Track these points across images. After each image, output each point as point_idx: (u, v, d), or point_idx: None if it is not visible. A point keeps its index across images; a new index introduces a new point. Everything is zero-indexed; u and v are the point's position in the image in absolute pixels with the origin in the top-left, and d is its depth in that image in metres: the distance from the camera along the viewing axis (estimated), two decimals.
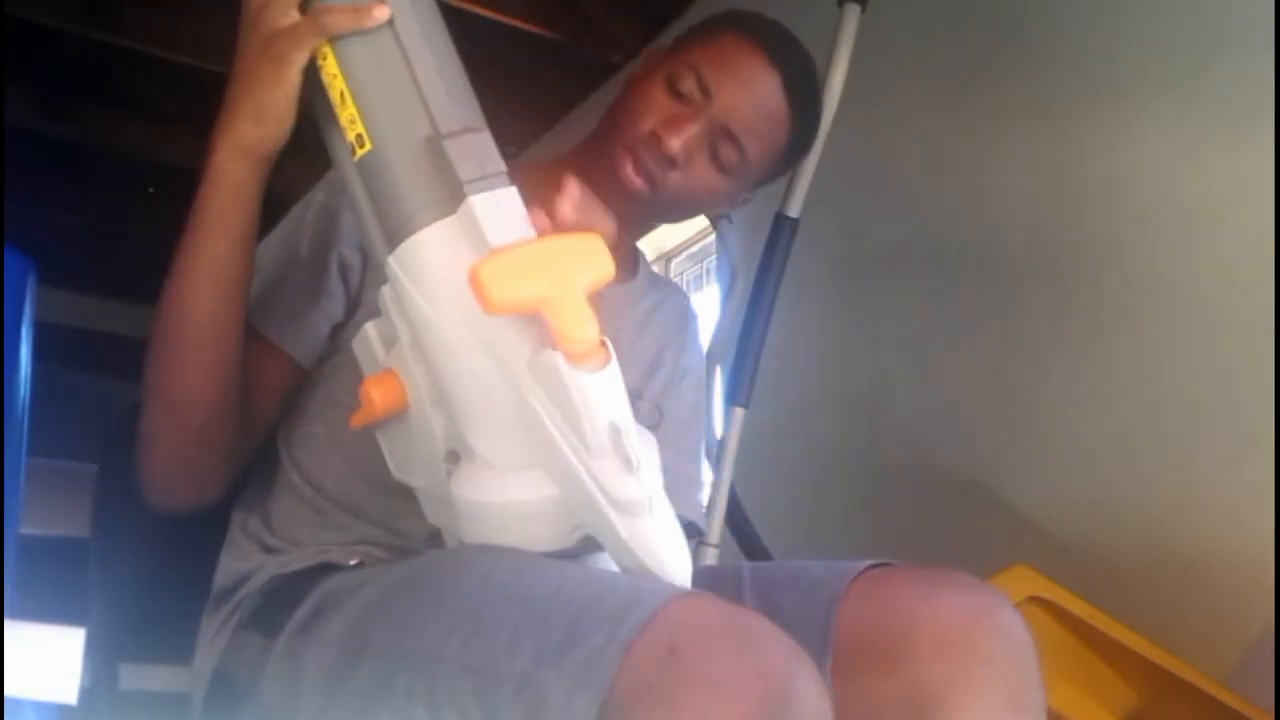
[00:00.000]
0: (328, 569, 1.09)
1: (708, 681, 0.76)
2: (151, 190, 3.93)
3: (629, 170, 1.19)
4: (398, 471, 1.03)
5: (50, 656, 1.07)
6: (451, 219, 0.90)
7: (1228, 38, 1.65)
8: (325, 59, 0.94)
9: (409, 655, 0.91)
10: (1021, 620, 0.98)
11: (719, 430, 1.70)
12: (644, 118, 1.20)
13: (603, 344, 0.88)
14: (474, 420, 0.92)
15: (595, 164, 1.21)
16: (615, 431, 0.87)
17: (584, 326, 0.86)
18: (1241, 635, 1.51)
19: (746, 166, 1.24)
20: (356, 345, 1.02)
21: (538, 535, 0.92)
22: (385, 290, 0.95)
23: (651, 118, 1.20)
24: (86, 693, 1.10)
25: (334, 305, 1.17)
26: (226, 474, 1.13)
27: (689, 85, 1.20)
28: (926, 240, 2.07)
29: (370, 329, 1.00)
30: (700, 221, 1.92)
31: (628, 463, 0.87)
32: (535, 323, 0.88)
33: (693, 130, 1.20)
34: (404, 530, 1.13)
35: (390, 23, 0.93)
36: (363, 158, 0.93)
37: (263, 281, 1.14)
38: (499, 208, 0.90)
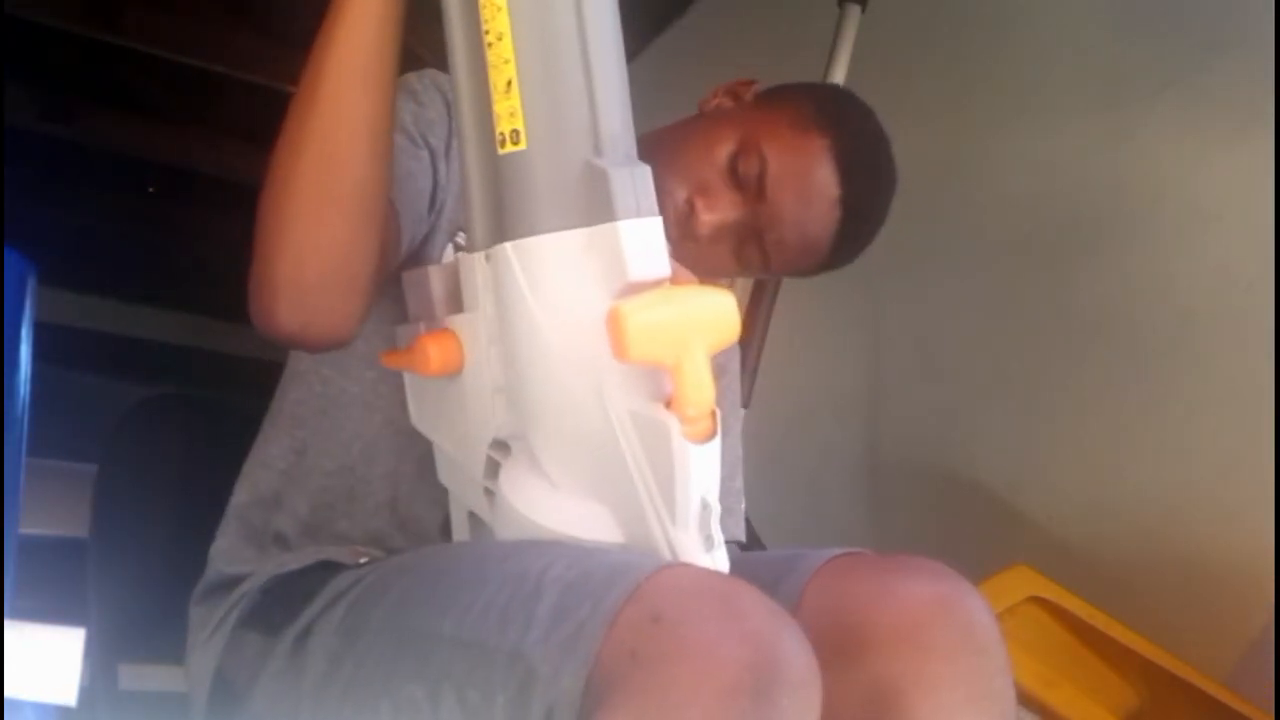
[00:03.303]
0: (329, 567, 1.09)
1: (693, 648, 0.75)
2: (151, 190, 3.92)
3: (683, 213, 1.13)
4: (417, 420, 1.00)
5: (50, 657, 1.07)
6: (584, 232, 0.84)
7: (1228, 38, 1.65)
8: (500, 39, 0.85)
9: (404, 635, 0.90)
10: (985, 607, 0.95)
11: None
12: (693, 174, 1.13)
13: (713, 414, 0.84)
14: (546, 431, 0.88)
15: None
16: (705, 509, 0.84)
17: (706, 394, 0.81)
18: (1241, 635, 1.51)
19: (764, 269, 1.19)
20: (410, 283, 0.98)
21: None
22: (476, 259, 0.89)
23: (699, 180, 1.13)
24: (86, 693, 1.10)
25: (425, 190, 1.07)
26: (367, 299, 0.94)
27: (750, 169, 1.12)
28: (926, 240, 2.07)
29: (433, 275, 0.95)
30: None
31: (709, 540, 0.85)
32: (654, 371, 0.84)
33: (730, 218, 1.13)
34: (416, 516, 1.12)
35: (579, 22, 0.85)
36: (511, 154, 0.85)
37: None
38: (645, 240, 0.84)
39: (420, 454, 1.08)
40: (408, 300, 0.99)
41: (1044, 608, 1.49)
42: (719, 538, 0.86)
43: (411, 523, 1.14)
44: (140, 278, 1.24)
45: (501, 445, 0.93)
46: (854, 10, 1.66)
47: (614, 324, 0.80)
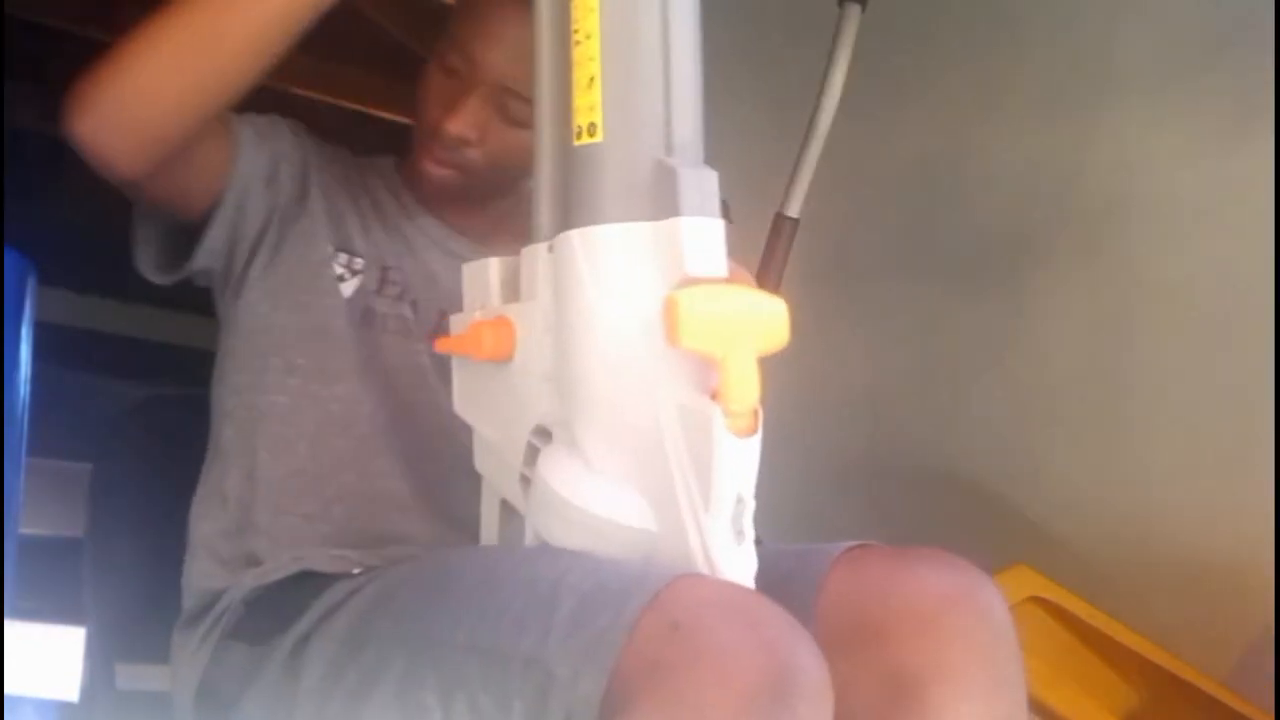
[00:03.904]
0: (314, 576, 1.09)
1: (711, 656, 0.76)
2: None
3: (430, 165, 1.20)
4: (460, 407, 1.04)
5: (52, 655, 1.07)
6: (648, 225, 0.88)
7: (1228, 38, 1.65)
8: (588, 38, 0.90)
9: (414, 642, 0.91)
10: (1000, 597, 0.97)
11: None
12: (429, 108, 1.20)
13: (756, 413, 0.86)
14: (594, 424, 0.90)
15: (411, 165, 1.23)
16: (740, 503, 0.85)
17: (751, 390, 0.84)
18: (1241, 635, 1.51)
19: (529, 105, 1.22)
20: (471, 273, 1.03)
21: (604, 553, 0.90)
22: (539, 250, 0.93)
23: (434, 106, 1.19)
24: (84, 692, 1.10)
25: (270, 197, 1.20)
26: (155, 155, 1.06)
27: (455, 59, 1.19)
28: (926, 240, 2.07)
29: (494, 266, 1.00)
30: None
31: (740, 535, 0.86)
32: (702, 365, 0.86)
33: (470, 104, 1.18)
34: (382, 492, 1.15)
35: (663, 28, 0.90)
36: (586, 145, 0.90)
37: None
38: (707, 238, 0.89)
39: (369, 432, 1.16)
40: (465, 291, 1.03)
41: (1044, 608, 1.49)
42: (750, 533, 0.87)
43: (378, 502, 1.16)
44: (140, 278, 1.24)
45: (543, 432, 0.95)
46: (854, 10, 1.66)
47: (670, 311, 0.83)
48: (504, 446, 0.99)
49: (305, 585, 1.08)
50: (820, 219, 1.76)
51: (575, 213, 0.91)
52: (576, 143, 0.91)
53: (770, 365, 1.90)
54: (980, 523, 1.87)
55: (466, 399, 1.05)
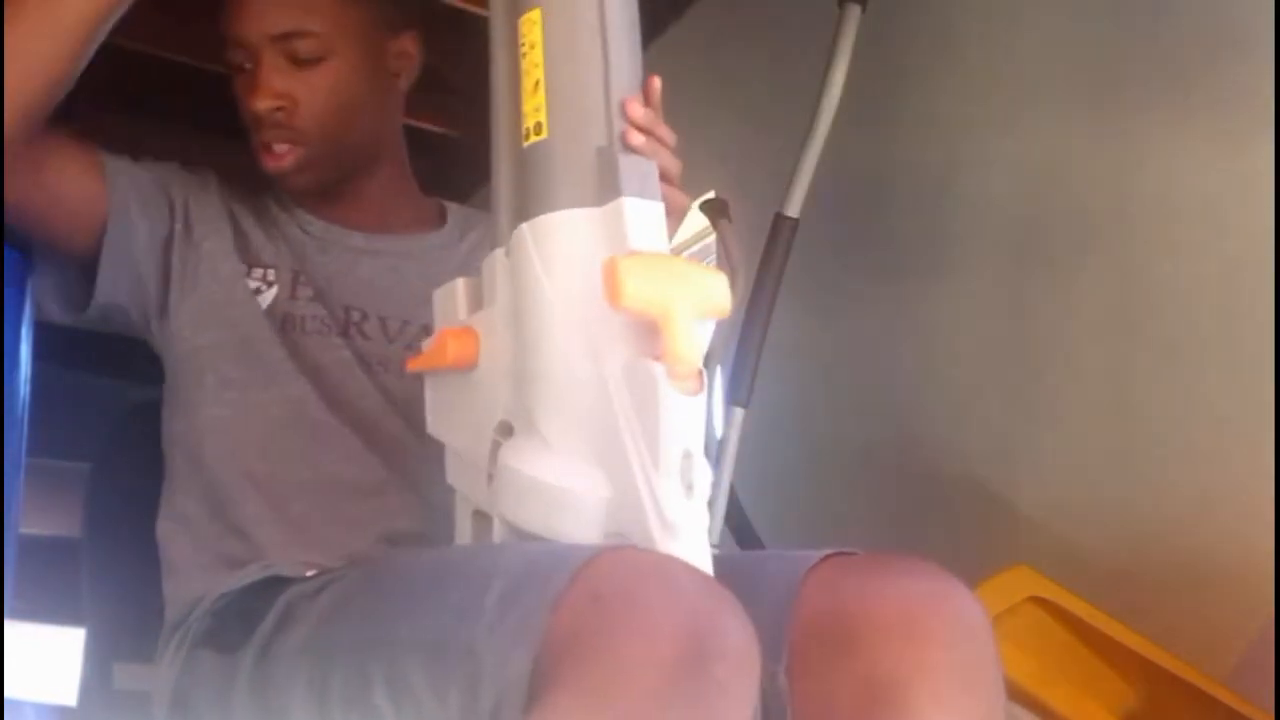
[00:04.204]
0: (279, 582, 1.10)
1: (628, 625, 0.77)
2: None
3: (268, 159, 1.25)
4: (433, 426, 1.07)
5: (50, 657, 1.07)
6: (595, 210, 0.93)
7: (1228, 38, 1.65)
8: (532, 48, 0.97)
9: (364, 646, 0.92)
10: (976, 603, 0.98)
11: (719, 430, 1.70)
12: (242, 112, 1.26)
13: (700, 374, 0.89)
14: (549, 402, 0.93)
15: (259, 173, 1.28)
16: (687, 457, 0.88)
17: (693, 349, 0.87)
18: (1241, 635, 1.51)
19: (326, 37, 1.25)
20: (440, 295, 1.07)
21: (572, 528, 0.92)
22: (497, 255, 0.98)
23: (244, 105, 1.25)
24: (82, 692, 1.10)
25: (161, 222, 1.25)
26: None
27: (233, 53, 1.25)
28: (926, 240, 2.07)
29: (460, 284, 1.04)
30: (700, 221, 1.93)
31: (689, 489, 0.88)
32: (645, 331, 0.89)
33: (262, 75, 1.23)
34: (339, 482, 1.18)
35: (602, 27, 0.96)
36: (533, 144, 0.96)
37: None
38: (647, 217, 0.93)
39: (313, 427, 1.20)
40: (435, 314, 1.08)
41: (1044, 608, 1.48)
42: (700, 488, 0.88)
43: (338, 492, 1.18)
44: None
45: (506, 427, 0.97)
46: (854, 10, 1.66)
47: (609, 272, 0.86)
48: (473, 452, 1.00)
49: (266, 591, 1.09)
50: (821, 219, 1.76)
51: (526, 208, 0.95)
52: (525, 144, 0.97)
53: (771, 365, 1.91)
54: (980, 523, 1.86)
55: (438, 417, 1.08)
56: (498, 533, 0.98)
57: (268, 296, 1.26)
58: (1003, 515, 1.82)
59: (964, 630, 0.95)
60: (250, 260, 1.28)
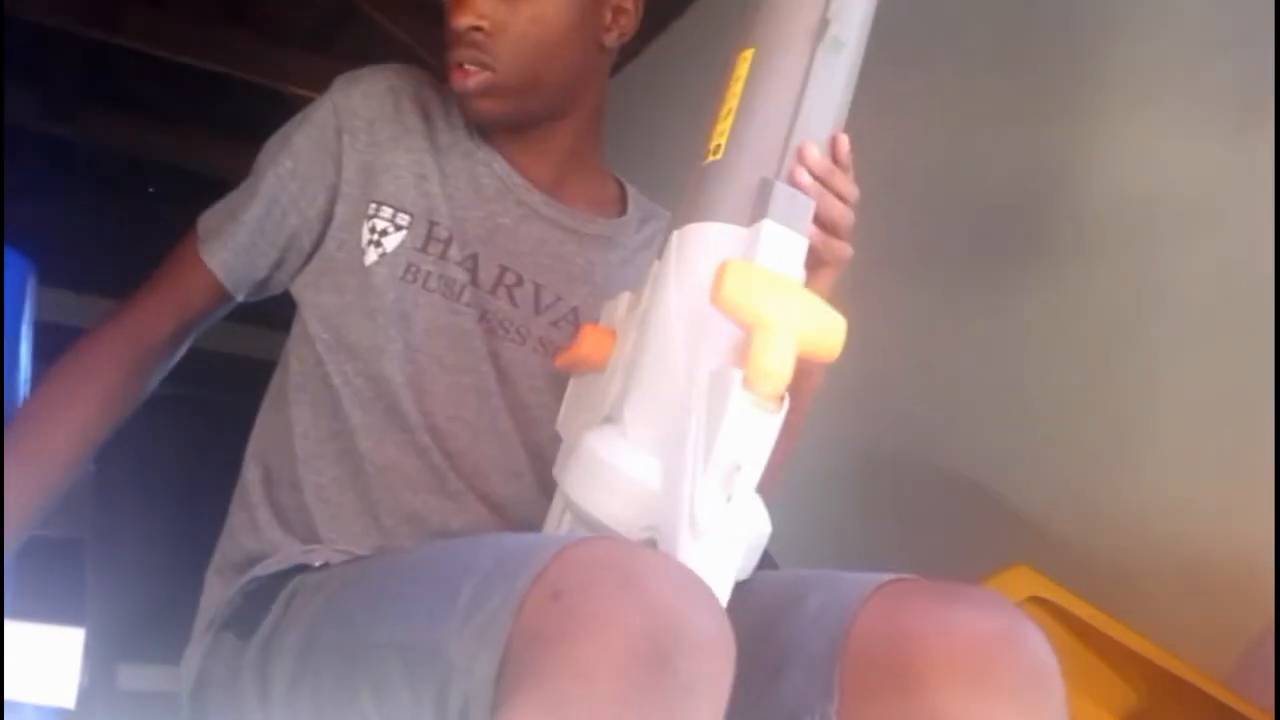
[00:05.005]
0: (301, 570, 1.10)
1: (587, 622, 0.74)
2: (151, 190, 3.93)
3: (458, 76, 1.20)
4: (560, 422, 1.11)
5: (49, 658, 1.07)
6: (740, 228, 0.96)
7: (1228, 38, 1.65)
8: (737, 80, 1.04)
9: (352, 649, 0.92)
10: (1044, 640, 0.91)
11: None
12: (446, 34, 1.21)
13: (782, 398, 0.88)
14: (638, 391, 0.97)
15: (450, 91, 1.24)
16: (737, 469, 0.87)
17: (780, 366, 0.87)
18: (1241, 635, 1.51)
19: None
20: (608, 308, 1.11)
21: (617, 512, 0.93)
22: (656, 263, 1.02)
23: (446, 18, 1.20)
24: (85, 693, 1.10)
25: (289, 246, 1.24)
26: None
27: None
28: (925, 239, 2.07)
29: (625, 297, 1.08)
30: None
31: (729, 498, 0.87)
32: (742, 343, 0.90)
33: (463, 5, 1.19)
34: (394, 466, 1.17)
35: (805, 74, 1.03)
36: (709, 163, 1.01)
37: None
38: (784, 244, 0.96)
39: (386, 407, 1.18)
40: (601, 322, 1.11)
41: (1044, 608, 1.48)
42: (742, 499, 0.87)
43: (391, 476, 1.16)
44: (140, 278, 1.25)
45: (609, 422, 0.99)
46: None
47: (720, 271, 0.88)
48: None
49: (284, 578, 1.09)
50: None
51: (684, 219, 1.00)
52: (704, 162, 1.02)
53: None
54: (980, 523, 1.87)
55: (566, 414, 1.12)
56: (557, 507, 1.01)
57: (394, 239, 1.22)
58: (1003, 515, 1.82)
59: (1036, 677, 0.89)
60: (383, 199, 1.23)
